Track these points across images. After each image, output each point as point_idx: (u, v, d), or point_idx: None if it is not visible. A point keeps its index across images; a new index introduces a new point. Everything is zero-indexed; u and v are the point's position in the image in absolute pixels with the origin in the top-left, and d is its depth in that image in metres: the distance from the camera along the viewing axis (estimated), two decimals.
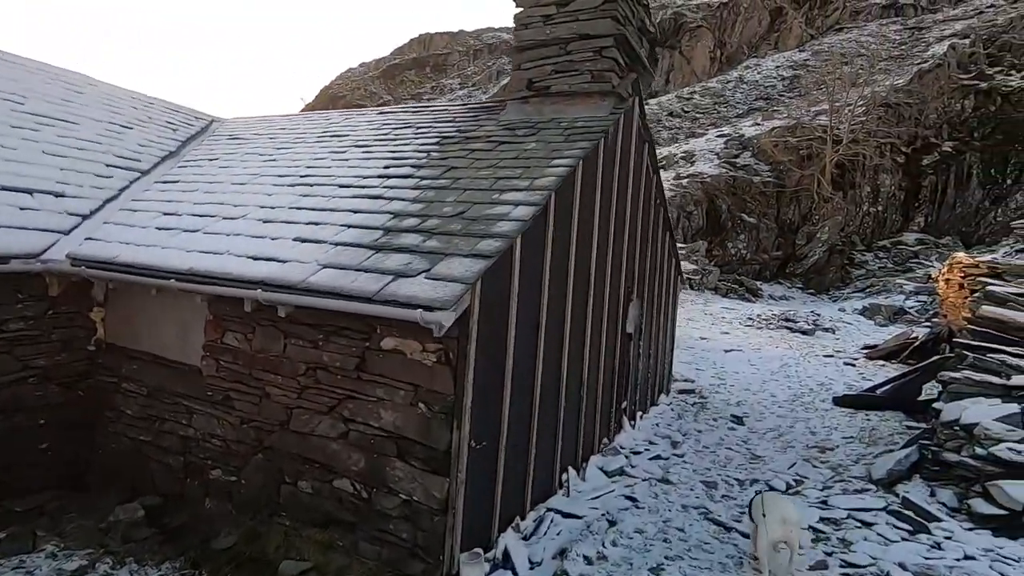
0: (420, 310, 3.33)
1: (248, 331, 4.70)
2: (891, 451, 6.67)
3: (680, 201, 26.13)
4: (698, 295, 21.75)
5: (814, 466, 6.50)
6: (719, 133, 33.70)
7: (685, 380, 10.50)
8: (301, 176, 6.01)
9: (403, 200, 4.90)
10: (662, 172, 28.48)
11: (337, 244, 4.34)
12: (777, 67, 43.80)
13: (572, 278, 5.28)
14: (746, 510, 4.54)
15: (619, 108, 6.16)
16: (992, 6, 38.48)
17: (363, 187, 5.37)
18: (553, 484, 5.33)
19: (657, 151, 32.36)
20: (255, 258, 4.38)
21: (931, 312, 18.15)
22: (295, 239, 4.57)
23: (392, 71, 74.77)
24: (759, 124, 32.23)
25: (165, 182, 6.68)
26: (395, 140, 6.58)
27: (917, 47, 37.07)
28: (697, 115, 41.19)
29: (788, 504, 4.02)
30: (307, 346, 4.39)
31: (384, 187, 5.26)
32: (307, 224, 4.80)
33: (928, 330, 13.31)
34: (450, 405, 3.78)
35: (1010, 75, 28.33)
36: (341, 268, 3.99)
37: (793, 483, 5.92)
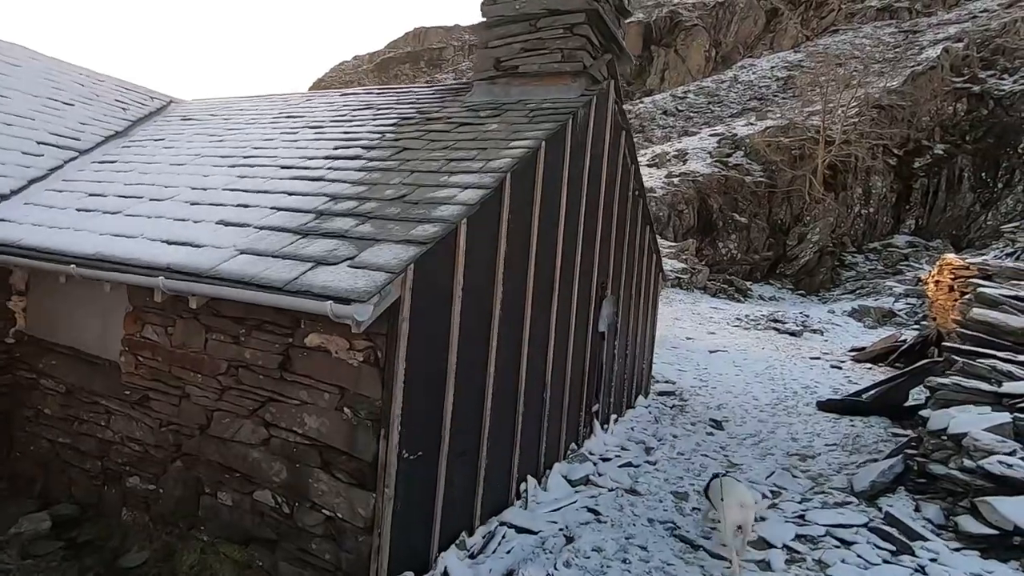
0: (330, 302, 2.88)
1: (168, 324, 4.24)
2: (875, 460, 6.30)
3: (671, 200, 25.79)
4: (687, 294, 21.39)
5: (793, 475, 6.11)
6: (712, 132, 33.38)
7: (666, 381, 10.12)
8: (244, 157, 5.54)
9: (345, 182, 4.45)
10: (655, 170, 28.33)
11: (262, 228, 3.89)
12: (772, 67, 43.59)
13: (533, 271, 4.84)
14: (703, 491, 4.88)
15: (591, 90, 5.73)
16: (986, 10, 38.36)
17: (306, 168, 4.91)
18: (509, 495, 4.90)
19: (650, 149, 31.95)
20: (169, 242, 3.92)
21: (920, 315, 17.90)
22: (218, 222, 4.11)
23: (386, 64, 74.02)
24: (752, 124, 31.93)
25: (102, 162, 6.19)
26: (351, 121, 6.12)
27: (911, 50, 36.91)
28: (691, 114, 40.90)
29: (744, 489, 4.37)
30: (228, 341, 3.93)
31: (328, 168, 4.81)
32: (236, 207, 4.34)
33: (917, 333, 13.00)
34: (377, 411, 3.34)
35: (1003, 79, 28.17)
36: (259, 254, 3.53)
37: (770, 494, 5.51)
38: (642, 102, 43.07)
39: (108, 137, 7.04)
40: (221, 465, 3.97)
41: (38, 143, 6.10)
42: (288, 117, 6.79)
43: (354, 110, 6.55)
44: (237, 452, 3.89)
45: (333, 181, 4.50)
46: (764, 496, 5.43)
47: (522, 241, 4.67)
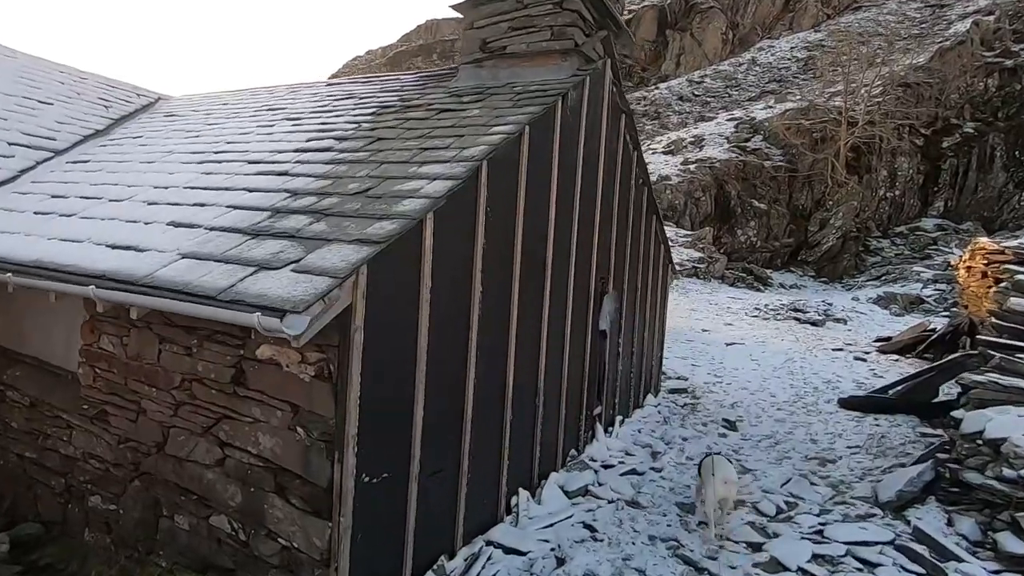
0: (258, 314, 2.53)
1: (123, 334, 3.94)
2: (902, 465, 5.80)
3: (687, 187, 25.13)
4: (704, 284, 20.79)
5: (811, 483, 5.64)
6: (730, 117, 32.45)
7: (678, 378, 9.66)
8: (215, 152, 5.23)
9: (309, 176, 4.10)
10: (670, 157, 27.60)
11: (212, 229, 3.56)
12: (791, 48, 42.33)
13: (519, 268, 4.45)
14: (697, 467, 5.11)
15: (584, 70, 5.29)
16: None
17: (273, 162, 4.57)
18: (498, 510, 4.54)
19: (665, 136, 31.04)
20: (114, 246, 3.62)
21: (950, 301, 17.11)
22: (169, 223, 3.79)
23: (399, 58, 73.64)
24: (771, 107, 30.93)
25: (75, 162, 5.93)
26: (331, 112, 5.77)
27: (938, 25, 35.51)
28: (708, 99, 39.90)
29: (731, 467, 4.76)
30: (181, 353, 3.62)
31: (296, 162, 4.47)
32: (192, 206, 4.02)
33: (947, 321, 12.32)
34: (330, 431, 3.00)
35: None
36: (201, 259, 3.20)
37: (784, 506, 5.07)
38: (657, 88, 42.13)
39: (87, 136, 6.80)
40: (178, 486, 3.68)
41: (9, 144, 5.87)
42: (269, 110, 6.47)
43: (336, 100, 6.19)
44: (193, 473, 3.59)
45: (297, 175, 4.16)
46: (779, 508, 4.99)
47: (505, 236, 4.27)
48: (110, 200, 4.54)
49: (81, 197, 4.76)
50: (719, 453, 5.29)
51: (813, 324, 15.74)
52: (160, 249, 3.41)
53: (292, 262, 2.93)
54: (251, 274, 2.90)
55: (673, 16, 48.10)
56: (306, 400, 3.07)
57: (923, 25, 37.14)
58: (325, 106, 6.04)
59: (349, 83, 6.98)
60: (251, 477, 3.31)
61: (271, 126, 5.73)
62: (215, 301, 2.73)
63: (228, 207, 3.83)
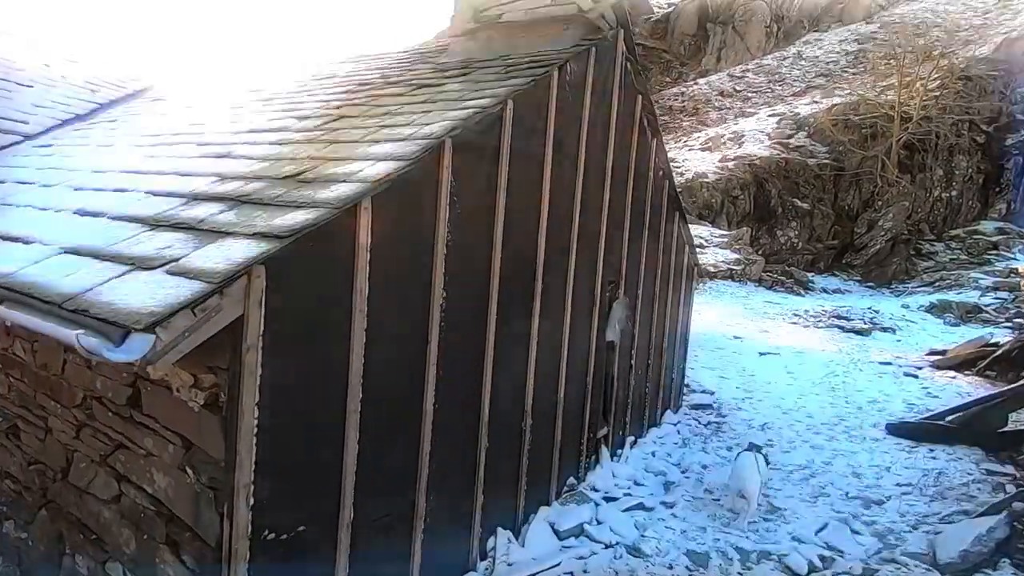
0: (79, 331, 1.90)
1: (34, 339, 3.41)
2: (966, 513, 4.88)
3: (725, 185, 23.91)
4: (740, 287, 19.66)
5: (853, 530, 4.77)
6: (772, 112, 30.90)
7: (703, 391, 8.79)
8: (173, 135, 4.71)
9: (249, 158, 3.49)
10: (707, 154, 26.38)
11: (116, 218, 2.98)
12: (841, 41, 40.27)
13: (499, 270, 3.74)
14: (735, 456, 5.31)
15: (589, 39, 4.54)
16: None
17: (221, 144, 3.99)
18: (470, 555, 3.86)
19: (704, 132, 29.70)
20: (5, 238, 3.07)
21: (1013, 311, 15.62)
22: (76, 211, 3.23)
23: None
24: (817, 102, 29.29)
25: (40, 146, 5.51)
26: (307, 91, 5.19)
27: (1004, 15, 33.18)
28: (749, 94, 38.27)
29: (762, 463, 5.00)
30: (82, 364, 3.05)
31: (244, 143, 3.89)
32: (112, 191, 3.47)
33: (1013, 335, 11.06)
34: (220, 475, 2.36)
35: None
36: (81, 254, 2.61)
37: (818, 561, 4.23)
38: (696, 83, 40.69)
39: (66, 120, 6.40)
40: (79, 521, 3.12)
41: None
42: (249, 91, 5.93)
43: (317, 80, 5.62)
44: (91, 508, 3.02)
45: (238, 157, 3.56)
46: (811, 565, 4.15)
47: (479, 231, 3.58)
48: (41, 186, 4.04)
49: (18, 183, 4.29)
50: (759, 448, 5.37)
51: (858, 333, 14.51)
52: (47, 242, 2.84)
53: (171, 261, 2.30)
54: (119, 275, 2.28)
55: (714, 9, 46.43)
56: (196, 434, 2.45)
57: (987, 15, 34.81)
58: (305, 86, 5.47)
59: (338, 64, 6.38)
60: (144, 522, 2.71)
61: (240, 108, 5.18)
62: (59, 309, 2.12)
63: (147, 192, 3.25)
